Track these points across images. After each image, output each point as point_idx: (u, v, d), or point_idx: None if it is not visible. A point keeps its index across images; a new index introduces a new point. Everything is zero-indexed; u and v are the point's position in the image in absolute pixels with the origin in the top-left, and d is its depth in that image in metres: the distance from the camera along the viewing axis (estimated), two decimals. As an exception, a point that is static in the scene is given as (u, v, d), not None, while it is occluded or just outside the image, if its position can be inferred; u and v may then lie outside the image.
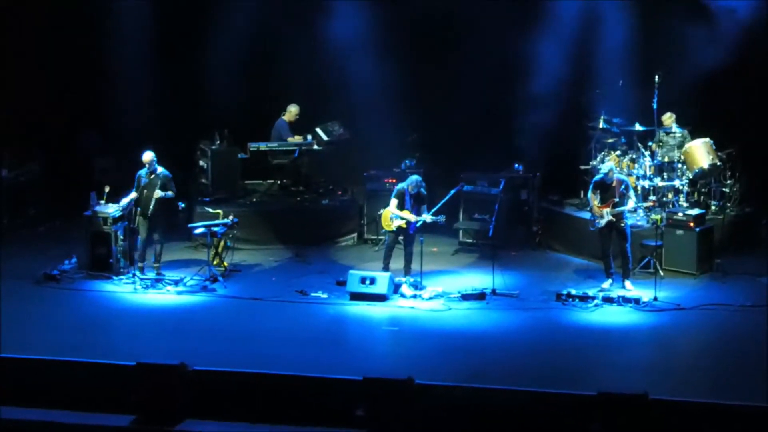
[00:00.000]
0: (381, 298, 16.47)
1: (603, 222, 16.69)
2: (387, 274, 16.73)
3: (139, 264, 17.40)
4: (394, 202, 17.02)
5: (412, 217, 16.89)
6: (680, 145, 18.71)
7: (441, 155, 20.43)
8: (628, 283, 16.71)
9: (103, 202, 17.68)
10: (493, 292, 16.70)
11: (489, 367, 13.97)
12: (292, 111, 20.48)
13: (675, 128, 18.90)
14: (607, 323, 15.68)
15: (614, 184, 16.67)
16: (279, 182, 20.68)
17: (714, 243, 17.92)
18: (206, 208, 18.72)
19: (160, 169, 17.39)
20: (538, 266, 18.40)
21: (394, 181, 18.74)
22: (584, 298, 16.27)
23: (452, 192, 17.68)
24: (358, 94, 20.21)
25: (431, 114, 20.66)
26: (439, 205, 17.21)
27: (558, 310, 16.17)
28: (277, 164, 20.50)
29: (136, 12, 20.59)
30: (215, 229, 17.60)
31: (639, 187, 18.35)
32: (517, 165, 19.80)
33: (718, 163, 18.53)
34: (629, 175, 18.22)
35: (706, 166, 18.40)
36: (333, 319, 16.05)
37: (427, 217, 16.90)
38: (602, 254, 16.98)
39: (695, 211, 17.85)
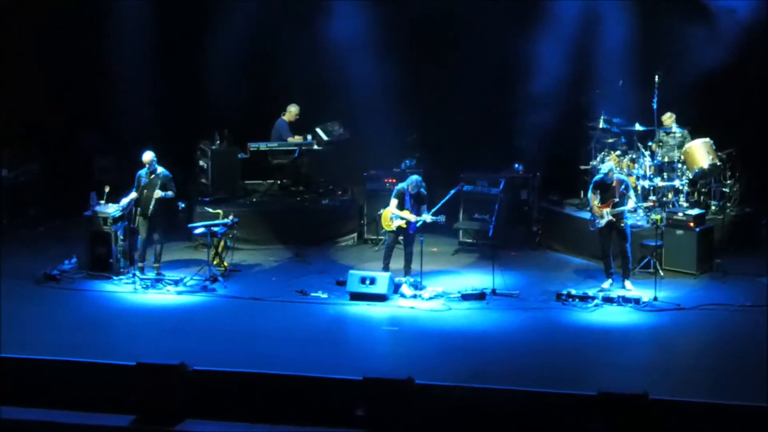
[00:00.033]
0: (381, 298, 16.47)
1: (603, 222, 16.70)
2: (387, 274, 16.74)
3: (139, 264, 17.41)
4: (394, 202, 17.02)
5: (413, 217, 16.89)
6: (680, 145, 18.71)
7: (441, 155, 20.43)
8: (628, 283, 16.72)
9: (103, 202, 17.68)
10: (493, 292, 16.70)
11: (489, 367, 13.97)
12: (292, 111, 20.48)
13: (675, 128, 18.90)
14: (607, 323, 15.68)
15: (614, 184, 16.67)
16: (279, 182, 20.68)
17: (714, 243, 17.93)
18: (206, 208, 18.73)
19: (160, 169, 17.39)
20: (538, 266, 18.41)
21: (394, 181, 18.74)
22: (584, 298, 16.27)
23: (452, 192, 17.68)
24: (358, 94, 20.21)
25: (431, 114, 20.67)
26: (439, 205, 17.21)
27: (558, 310, 16.17)
28: (277, 164, 20.51)
29: (136, 12, 20.59)
30: (215, 229, 17.60)
31: (639, 187, 18.35)
32: (517, 165, 19.80)
33: (718, 163, 18.53)
34: (629, 175, 18.23)
35: (706, 166, 18.40)
36: (333, 319, 16.06)
37: (427, 217, 16.90)
38: (602, 254, 16.98)
39: (695, 211, 17.85)
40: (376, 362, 14.49)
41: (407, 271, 17.03)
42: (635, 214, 17.85)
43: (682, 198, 18.61)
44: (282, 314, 16.20)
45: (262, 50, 20.75)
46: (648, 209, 18.27)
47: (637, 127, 18.90)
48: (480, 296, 16.49)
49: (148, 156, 17.37)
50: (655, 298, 16.23)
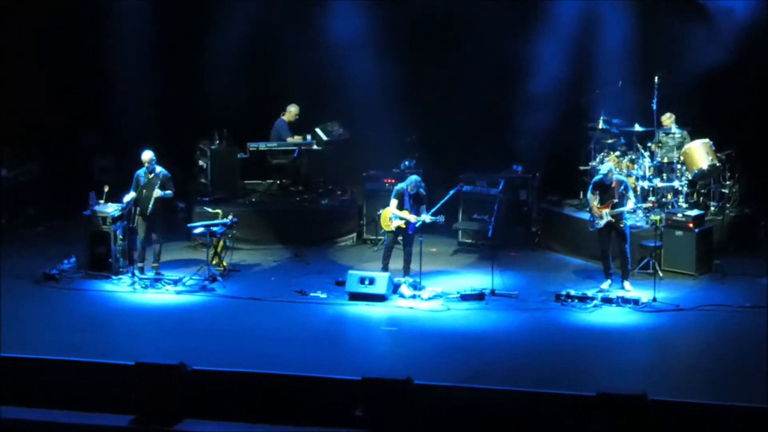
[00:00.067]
0: (380, 298, 16.47)
1: (602, 222, 16.70)
2: (386, 275, 16.74)
3: (139, 264, 17.41)
4: (393, 202, 17.02)
5: (412, 218, 16.89)
6: (680, 146, 18.71)
7: (440, 155, 20.44)
8: (627, 284, 16.72)
9: (102, 201, 17.69)
10: (492, 292, 16.70)
11: (488, 368, 13.97)
12: (292, 111, 20.48)
13: (674, 129, 18.90)
14: (606, 324, 15.68)
15: (613, 185, 16.67)
16: (278, 182, 20.68)
17: (713, 244, 17.93)
18: (205, 207, 18.73)
19: (158, 169, 17.39)
20: (537, 267, 18.41)
21: (393, 181, 18.74)
22: (583, 299, 16.28)
23: (451, 192, 17.66)
24: (357, 94, 20.22)
25: (431, 114, 20.67)
26: (439, 205, 17.20)
27: (557, 310, 16.17)
28: (277, 164, 20.50)
29: (136, 12, 20.60)
30: (214, 228, 17.60)
31: (638, 188, 18.36)
32: (516, 165, 19.80)
33: (718, 164, 18.53)
34: (629, 175, 18.23)
35: (705, 167, 18.41)
36: (332, 319, 16.06)
37: (427, 218, 16.90)
38: (601, 255, 16.98)
39: (694, 212, 17.85)
40: (375, 362, 14.48)
41: (406, 271, 17.02)
42: (634, 215, 17.85)
43: (681, 199, 18.62)
44: (281, 314, 16.20)
45: (262, 50, 20.75)
46: (647, 210, 18.28)
47: (637, 127, 18.88)
48: (479, 296, 16.49)
49: (147, 155, 17.37)
50: (654, 299, 16.23)
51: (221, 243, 17.84)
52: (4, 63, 20.66)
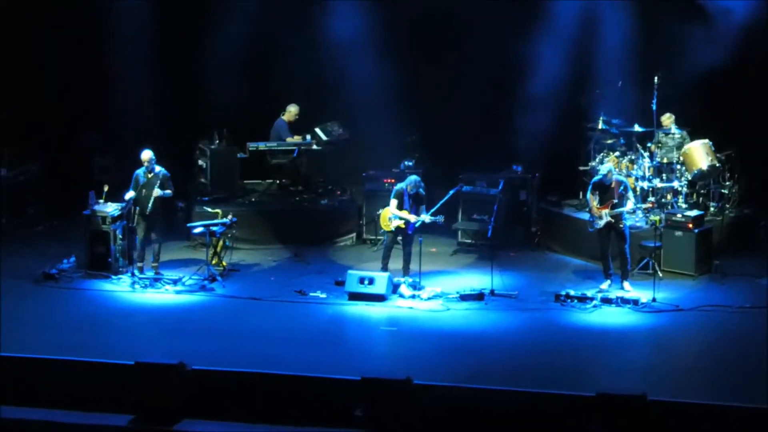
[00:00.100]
0: (380, 298, 16.48)
1: (602, 223, 16.70)
2: (386, 275, 16.74)
3: (138, 263, 17.41)
4: (393, 202, 17.02)
5: (412, 218, 16.89)
6: (679, 147, 18.70)
7: (440, 155, 20.45)
8: (626, 284, 16.72)
9: (102, 201, 17.69)
10: (492, 292, 16.70)
11: (487, 368, 13.98)
12: (292, 111, 20.48)
13: (674, 129, 18.90)
14: (605, 324, 15.69)
15: (613, 185, 16.67)
16: (278, 182, 20.67)
17: (713, 244, 17.94)
18: (205, 207, 18.73)
19: (158, 168, 17.39)
20: (536, 267, 18.41)
21: (393, 181, 18.73)
22: (583, 299, 16.28)
23: (451, 192, 17.66)
24: (357, 94, 20.22)
25: (431, 114, 20.67)
26: (438, 205, 17.19)
27: (557, 310, 16.17)
28: (276, 164, 20.51)
29: (136, 12, 20.60)
30: (214, 228, 17.60)
31: (638, 188, 18.36)
32: (516, 165, 19.79)
33: (717, 165, 18.53)
34: (628, 176, 18.23)
35: (705, 167, 18.41)
36: (331, 319, 16.06)
37: (426, 218, 16.90)
38: (601, 255, 16.98)
39: (694, 213, 17.85)
40: (374, 362, 14.49)
41: (406, 271, 17.03)
42: (634, 215, 17.83)
43: (681, 199, 18.62)
44: (281, 314, 16.20)
45: (262, 50, 20.75)
46: (647, 210, 18.27)
47: (636, 128, 18.88)
48: (478, 297, 16.49)
49: (146, 155, 17.37)
50: (654, 299, 16.24)
51: (221, 243, 17.84)
52: (4, 63, 20.67)
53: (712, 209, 18.85)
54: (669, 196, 18.64)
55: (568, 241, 19.00)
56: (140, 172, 17.37)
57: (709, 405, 11.11)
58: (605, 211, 16.63)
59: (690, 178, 18.60)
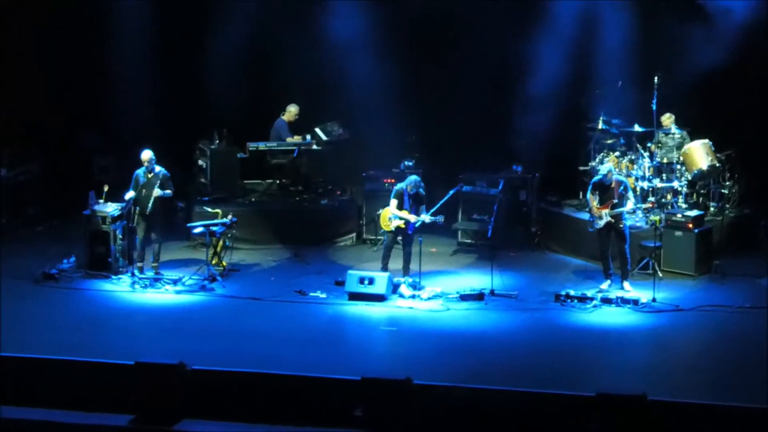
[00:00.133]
0: (379, 298, 16.48)
1: (602, 223, 16.70)
2: (386, 275, 16.74)
3: (138, 263, 17.40)
4: (394, 202, 17.02)
5: (412, 218, 16.89)
6: (679, 147, 18.70)
7: (440, 155, 20.45)
8: (626, 284, 16.72)
9: (102, 201, 17.69)
10: (492, 292, 16.70)
11: (487, 368, 13.98)
12: (292, 111, 20.48)
13: (674, 129, 18.90)
14: (605, 324, 15.69)
15: (613, 185, 16.67)
16: (278, 182, 20.67)
17: (713, 244, 17.94)
18: (205, 207, 18.74)
19: (158, 168, 17.39)
20: (536, 267, 18.41)
21: (392, 181, 18.73)
22: (583, 299, 16.28)
23: (451, 192, 17.66)
24: (357, 94, 20.23)
25: (431, 114, 20.68)
26: (438, 205, 17.19)
27: (556, 310, 16.17)
28: (276, 164, 20.51)
29: (136, 12, 20.60)
30: (214, 228, 17.60)
31: (638, 188, 18.36)
32: (516, 166, 19.79)
33: (717, 165, 18.53)
34: (628, 176, 18.23)
35: (705, 167, 18.41)
36: (331, 319, 16.06)
37: (426, 218, 16.90)
38: (601, 255, 16.98)
39: (694, 213, 17.85)
40: (374, 362, 14.49)
41: (406, 271, 17.03)
42: (634, 215, 17.83)
43: (680, 199, 18.62)
44: (281, 314, 16.20)
45: (262, 50, 20.75)
46: (647, 210, 18.27)
47: (636, 128, 18.88)
48: (478, 297, 16.49)
49: (146, 155, 17.37)
50: (654, 299, 16.24)
51: (221, 243, 17.84)
52: (4, 63, 20.67)
53: (712, 209, 18.85)
54: (669, 196, 18.64)
55: (568, 241, 19.00)
56: (140, 172, 17.37)
57: (709, 405, 11.11)
58: (605, 211, 16.63)
59: (690, 178, 18.61)
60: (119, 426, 10.85)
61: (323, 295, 16.77)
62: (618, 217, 16.65)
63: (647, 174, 18.64)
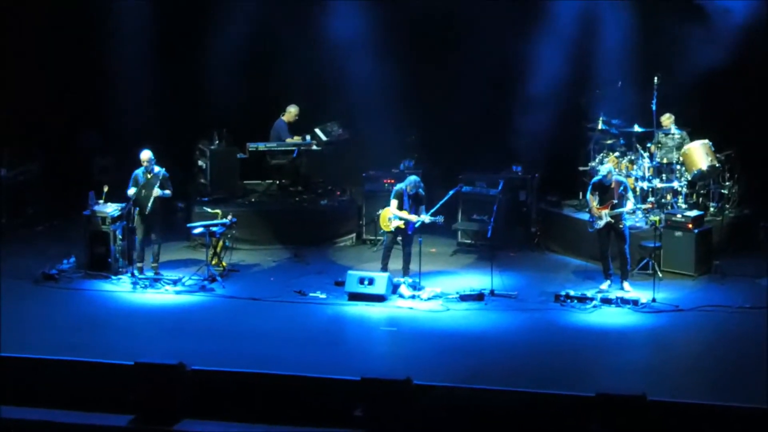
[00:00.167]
0: (379, 298, 16.48)
1: (601, 223, 16.70)
2: (385, 275, 16.74)
3: (138, 264, 17.40)
4: (394, 203, 17.02)
5: (413, 218, 16.89)
6: (679, 147, 18.70)
7: (440, 155, 20.45)
8: (626, 285, 16.72)
9: (102, 201, 17.69)
10: (492, 292, 16.70)
11: (487, 368, 13.97)
12: (292, 112, 20.48)
13: (674, 129, 18.90)
14: (605, 324, 15.68)
15: (613, 186, 16.67)
16: (278, 182, 20.68)
17: (712, 245, 17.94)
18: (205, 207, 18.74)
19: (157, 168, 17.38)
20: (536, 267, 18.41)
21: (392, 181, 18.72)
22: (583, 299, 16.28)
23: (451, 192, 17.64)
24: (357, 94, 20.23)
25: (431, 114, 20.68)
26: (438, 205, 17.18)
27: (556, 311, 16.17)
28: (276, 164, 20.51)
29: (136, 12, 20.61)
30: (214, 228, 17.61)
31: (638, 189, 18.36)
32: (515, 166, 19.79)
33: (717, 165, 18.53)
34: (628, 176, 18.23)
35: (704, 167, 18.41)
36: (331, 319, 16.06)
37: (426, 218, 16.90)
38: (601, 255, 16.98)
39: (694, 213, 17.85)
40: (374, 362, 14.48)
41: (406, 271, 17.02)
42: (634, 216, 17.84)
43: (680, 199, 18.62)
44: (280, 314, 16.20)
45: (262, 50, 20.75)
46: (647, 211, 18.26)
47: (636, 128, 18.87)
48: (478, 297, 16.49)
49: (146, 155, 17.37)
50: (654, 300, 16.23)
51: (220, 243, 17.84)
52: (4, 63, 20.67)
53: (711, 209, 18.85)
54: (669, 197, 18.64)
55: (568, 242, 19.00)
56: (139, 172, 17.36)
57: (709, 405, 11.11)
58: (605, 212, 16.63)
59: (690, 179, 18.61)
60: (119, 426, 10.86)
61: (323, 296, 16.77)
62: (618, 218, 16.65)
63: (647, 174, 18.64)
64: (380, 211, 17.57)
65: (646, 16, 19.58)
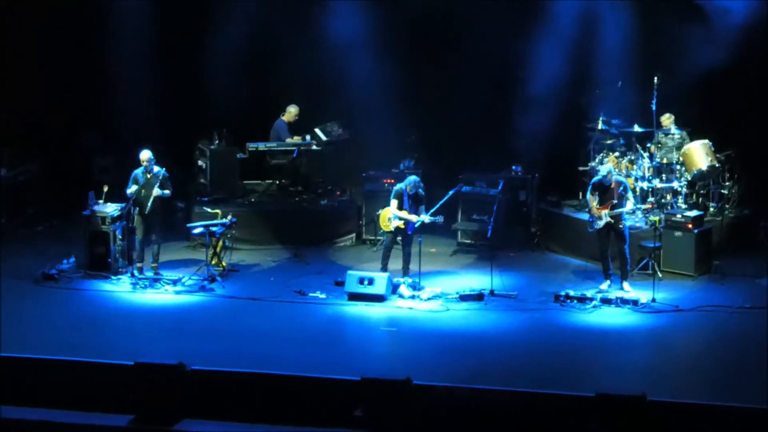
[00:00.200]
0: (379, 298, 16.47)
1: (601, 223, 16.70)
2: (385, 275, 16.74)
3: (138, 264, 17.40)
4: (394, 203, 17.01)
5: (413, 218, 16.88)
6: (679, 147, 18.70)
7: (440, 155, 20.45)
8: (626, 285, 16.72)
9: (101, 201, 17.69)
10: (492, 293, 16.70)
11: (487, 368, 13.97)
12: (292, 112, 20.48)
13: (674, 129, 18.90)
14: (605, 324, 15.68)
15: (613, 186, 16.67)
16: (277, 182, 20.67)
17: (712, 245, 17.94)
18: (205, 207, 18.74)
19: (156, 168, 17.37)
20: (536, 267, 18.40)
21: (392, 181, 18.72)
22: (582, 300, 16.27)
23: (451, 192, 17.63)
24: (357, 94, 20.23)
25: (431, 114, 20.68)
26: (438, 205, 17.18)
27: (556, 311, 16.17)
28: (276, 164, 20.51)
29: (136, 12, 20.61)
30: (214, 228, 17.60)
31: (637, 189, 18.36)
32: (515, 166, 19.79)
33: (717, 165, 18.53)
34: (628, 176, 18.23)
35: (704, 167, 18.41)
36: (331, 319, 16.05)
37: (426, 218, 16.89)
38: (600, 255, 16.98)
39: (694, 213, 17.85)
40: (374, 362, 14.48)
41: (405, 271, 17.02)
42: (634, 216, 17.84)
43: (680, 200, 18.62)
44: (280, 314, 16.19)
45: (262, 50, 20.75)
46: (646, 211, 18.24)
47: (636, 128, 18.87)
48: (478, 297, 16.48)
49: (145, 155, 17.36)
50: (654, 300, 16.23)
51: (220, 243, 17.84)
52: (4, 63, 20.67)
53: (711, 209, 18.85)
54: (668, 197, 18.64)
55: (568, 242, 19.00)
56: (139, 171, 17.35)
57: (709, 405, 11.12)
58: (605, 212, 16.63)
59: (690, 179, 18.61)
60: (119, 426, 10.87)
61: (323, 296, 16.77)
62: (617, 218, 16.65)
63: (647, 174, 18.64)
64: (380, 211, 17.56)
65: (646, 16, 19.58)
